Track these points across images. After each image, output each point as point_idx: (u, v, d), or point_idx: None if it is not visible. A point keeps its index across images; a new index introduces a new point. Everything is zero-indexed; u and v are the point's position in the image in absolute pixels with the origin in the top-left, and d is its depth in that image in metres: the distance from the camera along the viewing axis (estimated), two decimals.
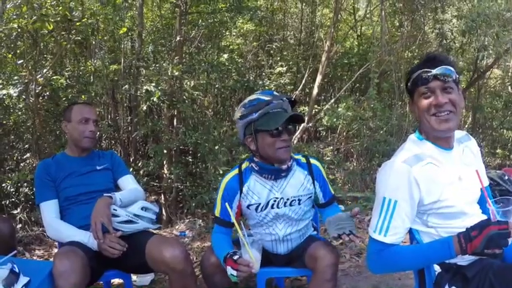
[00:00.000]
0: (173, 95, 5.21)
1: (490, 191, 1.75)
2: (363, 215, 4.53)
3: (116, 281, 2.94)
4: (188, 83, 5.50)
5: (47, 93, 4.76)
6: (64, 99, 4.77)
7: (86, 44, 5.50)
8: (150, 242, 2.06)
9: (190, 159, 6.14)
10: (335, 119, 6.25)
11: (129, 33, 5.94)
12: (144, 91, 4.91)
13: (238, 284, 2.41)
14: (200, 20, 6.05)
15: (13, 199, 4.56)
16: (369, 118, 6.46)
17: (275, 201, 2.07)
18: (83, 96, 4.91)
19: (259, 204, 2.07)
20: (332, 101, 7.07)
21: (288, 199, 2.08)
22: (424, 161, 1.56)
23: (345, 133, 7.48)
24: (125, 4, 5.33)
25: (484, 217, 1.58)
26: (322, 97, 8.22)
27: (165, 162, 5.47)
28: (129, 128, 6.13)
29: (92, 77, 5.42)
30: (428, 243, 1.57)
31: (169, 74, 4.99)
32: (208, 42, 6.82)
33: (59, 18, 3.96)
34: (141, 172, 5.43)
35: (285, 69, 7.26)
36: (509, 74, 9.90)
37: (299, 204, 2.10)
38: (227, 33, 7.15)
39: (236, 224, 1.86)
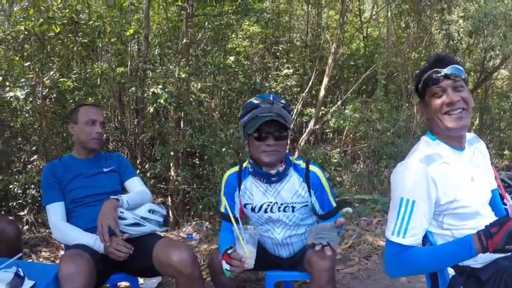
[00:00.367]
0: (180, 98, 5.21)
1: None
2: (370, 218, 4.50)
3: (123, 284, 2.93)
4: (195, 85, 5.51)
5: (54, 95, 4.78)
6: (71, 101, 4.78)
7: (92, 47, 5.52)
8: (158, 245, 2.04)
9: (197, 162, 6.15)
10: (342, 121, 6.23)
11: (136, 36, 5.96)
12: (150, 93, 4.91)
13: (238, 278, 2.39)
14: (206, 23, 6.06)
15: (20, 201, 4.58)
16: (376, 120, 6.43)
17: (268, 205, 2.05)
18: (89, 99, 4.93)
19: (253, 205, 2.06)
20: (339, 103, 7.05)
21: (282, 204, 2.04)
22: (439, 160, 1.55)
23: (351, 135, 7.45)
24: (131, 7, 5.35)
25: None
26: (329, 99, 8.20)
27: (172, 164, 5.47)
28: (136, 130, 6.15)
29: (98, 80, 5.44)
30: (448, 243, 1.54)
31: (176, 76, 5.00)
32: (215, 44, 6.82)
33: (65, 21, 3.99)
34: (148, 174, 5.43)
35: (291, 71, 7.25)
36: None
37: (293, 211, 2.05)
38: (233, 35, 7.16)
39: (232, 218, 1.82)
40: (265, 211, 2.06)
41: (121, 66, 5.68)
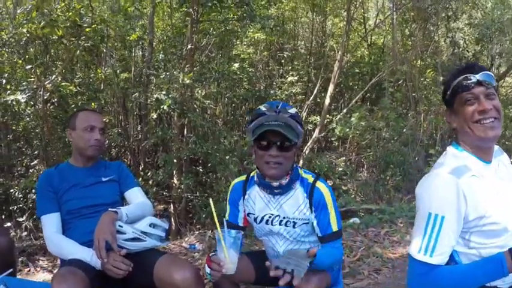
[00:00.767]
0: (184, 104, 5.13)
1: None
2: (378, 228, 4.39)
3: None
4: (199, 91, 5.45)
5: (55, 99, 4.72)
6: (73, 106, 4.72)
7: (96, 52, 5.48)
8: (159, 262, 1.92)
9: (201, 169, 6.06)
10: (347, 129, 6.15)
11: (140, 42, 5.92)
12: (154, 99, 4.85)
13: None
14: (211, 29, 6.01)
15: (21, 205, 4.52)
16: (382, 128, 6.34)
17: (270, 217, 1.95)
18: (93, 104, 4.87)
19: (255, 215, 1.98)
20: (344, 110, 6.97)
21: (284, 217, 1.94)
22: (469, 173, 1.45)
23: (356, 143, 7.36)
24: (136, 13, 5.30)
25: None
26: (332, 107, 8.14)
27: (174, 171, 5.39)
28: (139, 136, 6.08)
29: (102, 85, 5.38)
30: (477, 262, 1.44)
31: (180, 82, 4.92)
32: (219, 51, 6.78)
33: (68, 24, 3.92)
34: (151, 182, 5.35)
35: (296, 78, 7.20)
36: None
37: (293, 227, 1.94)
38: (238, 42, 7.11)
39: (216, 221, 1.73)
40: (266, 222, 1.97)
41: (125, 71, 5.64)
